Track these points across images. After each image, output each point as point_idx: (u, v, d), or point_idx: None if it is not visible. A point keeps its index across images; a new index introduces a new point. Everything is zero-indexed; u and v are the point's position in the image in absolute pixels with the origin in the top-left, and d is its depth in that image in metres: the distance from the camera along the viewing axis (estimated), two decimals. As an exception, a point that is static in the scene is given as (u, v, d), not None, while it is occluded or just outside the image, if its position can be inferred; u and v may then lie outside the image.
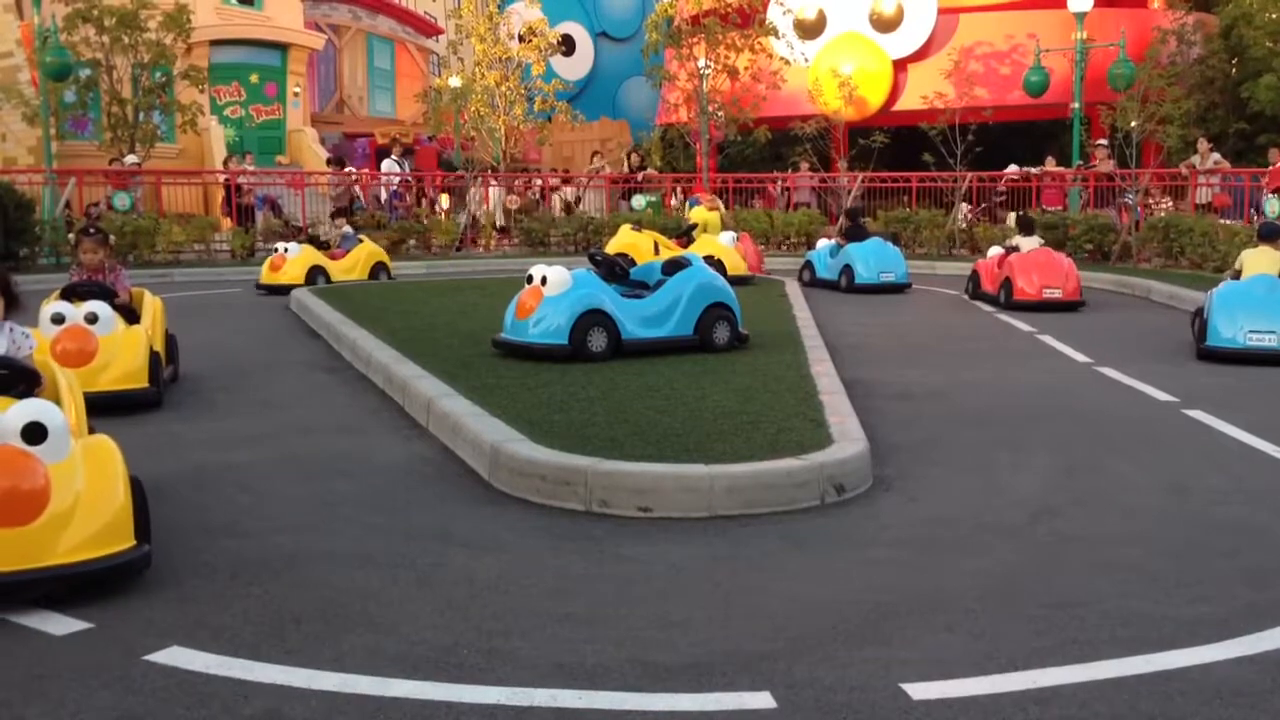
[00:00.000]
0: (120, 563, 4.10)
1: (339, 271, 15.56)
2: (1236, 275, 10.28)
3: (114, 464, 4.32)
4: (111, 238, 9.94)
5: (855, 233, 16.26)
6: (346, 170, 22.47)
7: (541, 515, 5.25)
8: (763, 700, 3.35)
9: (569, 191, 24.47)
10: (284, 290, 14.46)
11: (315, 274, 15.09)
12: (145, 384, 7.52)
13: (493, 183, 23.08)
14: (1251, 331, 9.58)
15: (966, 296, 14.72)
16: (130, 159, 20.91)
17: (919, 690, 3.41)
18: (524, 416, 6.45)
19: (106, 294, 7.99)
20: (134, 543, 4.18)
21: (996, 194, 22.23)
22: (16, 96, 22.02)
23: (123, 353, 7.55)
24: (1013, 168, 22.35)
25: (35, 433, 4.12)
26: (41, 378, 4.70)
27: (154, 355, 7.75)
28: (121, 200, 19.30)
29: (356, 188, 22.45)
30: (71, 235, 8.22)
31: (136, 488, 4.33)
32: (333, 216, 17.50)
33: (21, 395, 4.50)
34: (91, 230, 8.90)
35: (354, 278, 15.68)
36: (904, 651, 3.70)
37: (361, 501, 5.45)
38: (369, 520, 5.14)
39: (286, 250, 15.27)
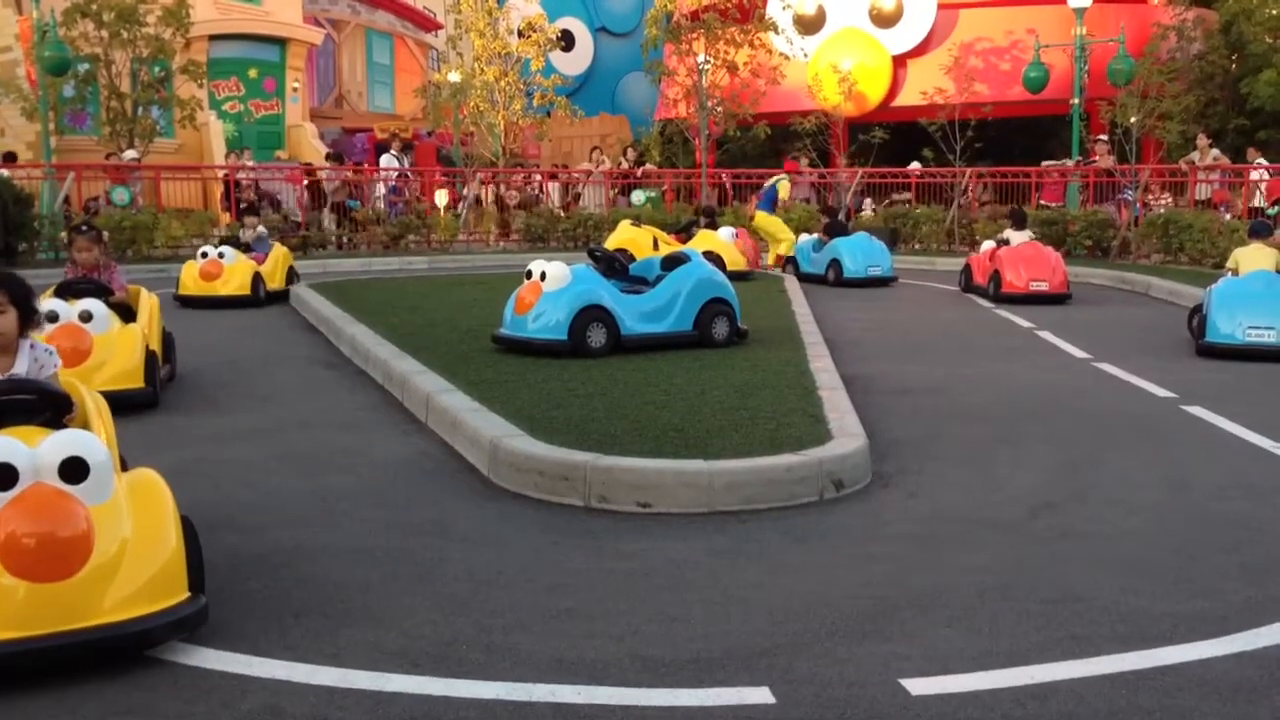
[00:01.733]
0: (175, 619, 3.55)
1: (264, 277, 13.45)
2: (1234, 273, 10.32)
3: (163, 503, 3.79)
4: (105, 234, 9.54)
5: (836, 228, 16.54)
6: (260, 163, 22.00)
7: (541, 511, 5.25)
8: (762, 695, 3.35)
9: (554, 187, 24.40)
10: (222, 304, 12.60)
11: (258, 283, 13.03)
12: (141, 384, 7.35)
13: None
14: (1250, 327, 9.61)
15: (960, 289, 14.89)
16: (129, 154, 20.89)
17: (918, 685, 3.41)
18: (523, 412, 6.46)
19: (102, 291, 7.81)
20: (188, 594, 3.65)
21: (896, 190, 22.44)
22: (15, 91, 22.00)
23: (118, 352, 7.35)
24: (915, 165, 22.63)
25: (75, 469, 3.55)
26: (73, 403, 4.08)
27: (150, 354, 7.56)
28: (120, 195, 19.28)
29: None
30: (63, 234, 7.88)
31: (188, 529, 3.79)
32: (244, 214, 15.04)
33: (49, 423, 3.93)
34: (85, 228, 8.58)
35: (275, 285, 13.54)
36: (903, 647, 3.71)
37: (361, 497, 5.45)
38: (368, 515, 5.15)
39: (221, 255, 12.98)
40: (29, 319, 4.17)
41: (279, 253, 13.98)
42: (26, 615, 3.37)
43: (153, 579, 3.58)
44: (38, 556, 3.41)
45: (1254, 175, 19.24)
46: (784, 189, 17.18)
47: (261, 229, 14.30)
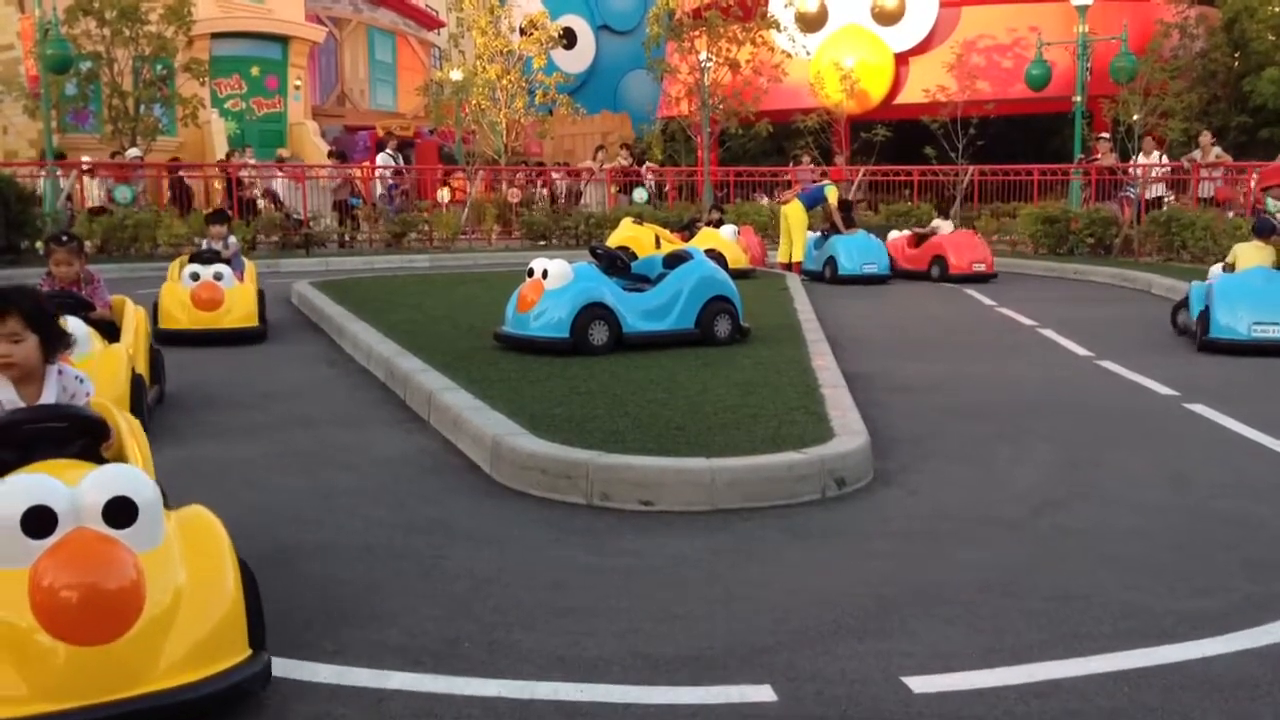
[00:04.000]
0: (238, 681, 3.11)
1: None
2: (1230, 268, 10.35)
3: (218, 546, 3.33)
4: (88, 245, 8.02)
5: (847, 221, 16.88)
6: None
7: (543, 508, 5.25)
8: (763, 693, 3.35)
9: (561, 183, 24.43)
10: (223, 340, 9.94)
11: (264, 311, 10.61)
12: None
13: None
14: (1255, 323, 9.66)
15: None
16: (132, 152, 20.92)
17: (920, 683, 3.41)
18: (525, 410, 6.46)
19: (81, 306, 6.91)
20: (249, 651, 3.20)
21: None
22: (18, 89, 22.04)
23: (99, 378, 5.81)
24: (806, 161, 23.39)
25: (121, 511, 3.08)
26: (110, 431, 3.65)
27: (136, 379, 6.62)
28: (123, 193, 19.31)
29: (357, 181, 22.45)
30: (39, 244, 6.56)
31: (246, 575, 3.33)
32: (210, 221, 11.74)
33: (83, 454, 3.53)
34: (65, 238, 7.56)
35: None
36: (905, 644, 3.70)
37: (363, 494, 5.45)
38: (370, 513, 5.15)
39: (219, 277, 10.22)
40: (55, 343, 3.74)
41: (252, 271, 11.30)
42: (68, 683, 2.91)
43: (210, 636, 3.12)
44: (81, 614, 2.93)
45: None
46: (832, 195, 16.93)
47: (234, 240, 11.47)
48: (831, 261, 16.04)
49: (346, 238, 21.50)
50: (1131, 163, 19.62)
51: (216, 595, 3.19)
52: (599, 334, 8.76)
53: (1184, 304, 10.81)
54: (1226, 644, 3.71)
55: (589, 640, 3.72)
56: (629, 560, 4.56)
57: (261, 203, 21.10)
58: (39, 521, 3.01)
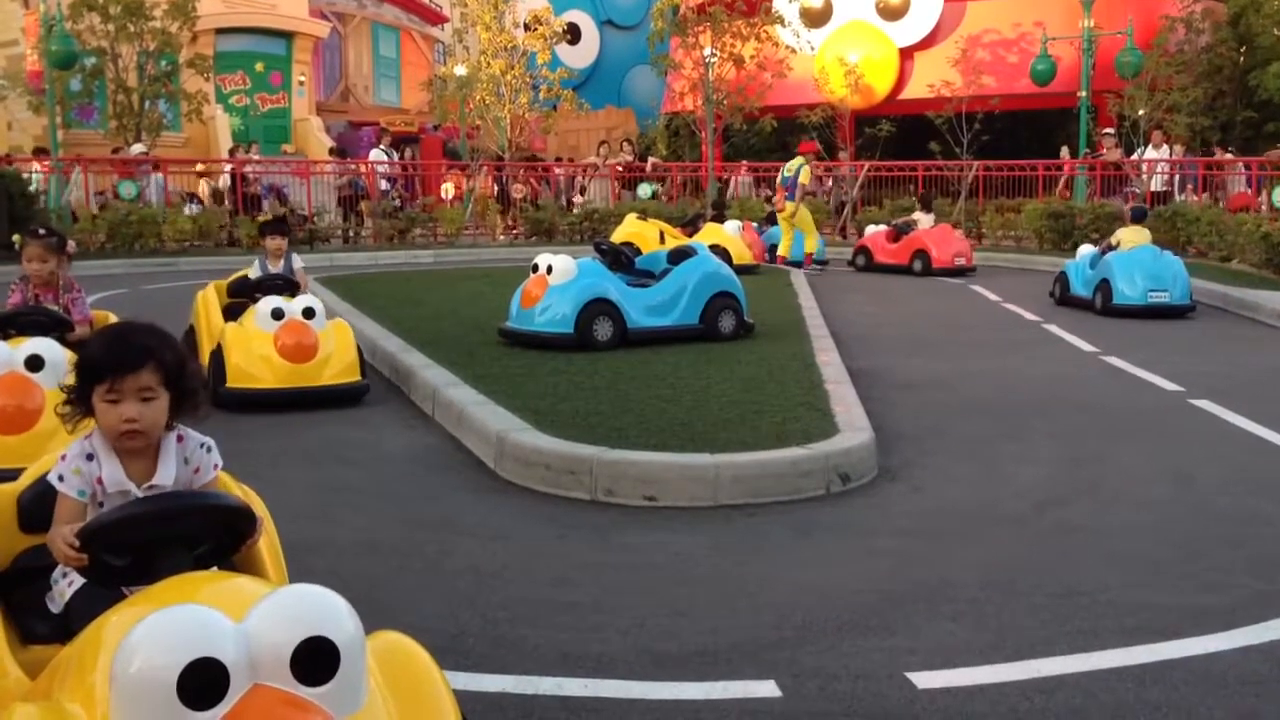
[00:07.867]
0: None
1: None
2: (1110, 248, 12.20)
3: (437, 697, 2.23)
4: (71, 244, 6.81)
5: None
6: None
7: (547, 504, 5.25)
8: (768, 689, 3.35)
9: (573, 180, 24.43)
10: (319, 399, 7.25)
11: (364, 361, 7.79)
12: None
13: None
14: (1150, 291, 11.61)
15: (854, 268, 17.25)
16: (136, 148, 20.94)
17: (924, 679, 3.41)
18: (529, 406, 6.46)
19: (57, 324, 5.75)
20: None
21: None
22: (22, 85, 22.06)
23: None
24: (652, 160, 23.94)
25: (318, 659, 1.96)
26: (258, 525, 2.63)
27: None
28: (127, 189, 19.33)
29: (362, 178, 22.46)
30: (15, 238, 5.71)
31: None
32: (266, 232, 8.62)
33: (216, 555, 2.53)
34: (41, 231, 6.44)
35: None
36: (909, 640, 3.71)
37: (367, 490, 5.46)
38: (374, 509, 5.15)
39: (310, 314, 7.42)
40: (185, 403, 2.71)
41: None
42: None
43: None
44: None
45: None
46: (805, 175, 16.36)
47: (298, 262, 8.39)
48: (773, 248, 17.33)
49: (351, 233, 21.51)
50: (1137, 156, 19.61)
51: None
52: (603, 330, 8.77)
53: (1058, 279, 12.96)
54: (1231, 640, 3.71)
55: (593, 636, 3.72)
56: (633, 556, 4.57)
57: (266, 200, 21.11)
58: (204, 681, 1.86)
